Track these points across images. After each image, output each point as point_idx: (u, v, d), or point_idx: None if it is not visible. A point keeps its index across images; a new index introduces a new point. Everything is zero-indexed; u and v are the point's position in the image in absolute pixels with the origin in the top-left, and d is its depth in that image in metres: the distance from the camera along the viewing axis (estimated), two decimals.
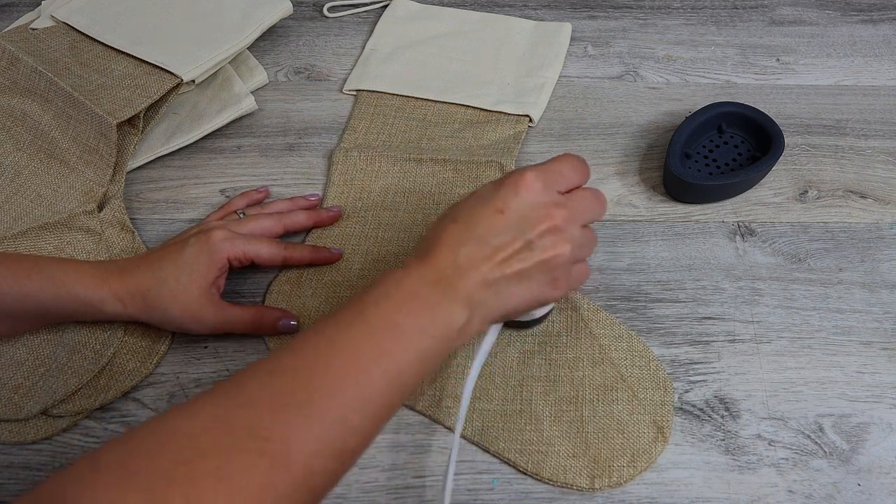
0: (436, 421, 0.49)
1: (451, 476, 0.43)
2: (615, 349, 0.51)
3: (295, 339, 0.38)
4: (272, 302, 0.54)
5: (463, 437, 0.48)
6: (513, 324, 0.51)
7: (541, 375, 0.50)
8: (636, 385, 0.49)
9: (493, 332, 0.45)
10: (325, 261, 0.56)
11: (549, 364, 0.50)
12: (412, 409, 0.49)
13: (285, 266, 0.56)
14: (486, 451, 0.47)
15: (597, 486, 0.45)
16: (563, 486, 0.46)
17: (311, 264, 0.56)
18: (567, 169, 0.43)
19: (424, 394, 0.49)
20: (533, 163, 0.63)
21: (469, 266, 0.40)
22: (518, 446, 0.47)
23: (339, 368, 0.36)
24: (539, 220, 0.41)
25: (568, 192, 0.43)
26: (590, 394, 0.49)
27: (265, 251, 0.53)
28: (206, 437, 0.32)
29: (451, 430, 0.48)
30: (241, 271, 0.56)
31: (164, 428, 0.32)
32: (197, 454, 0.31)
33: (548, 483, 0.46)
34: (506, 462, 0.47)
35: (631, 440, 0.47)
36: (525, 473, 0.46)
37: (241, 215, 0.57)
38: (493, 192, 0.42)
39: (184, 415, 0.33)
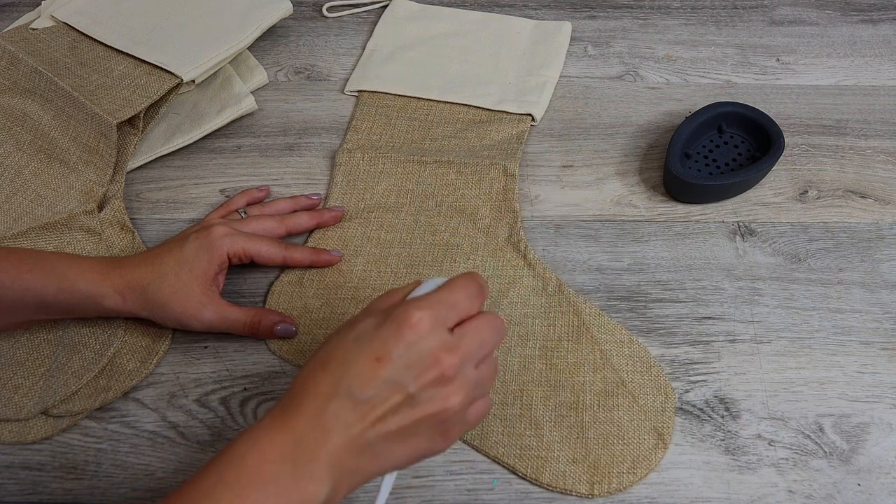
0: None
1: None
2: (616, 354, 0.51)
3: None
4: (273, 303, 0.54)
5: (463, 440, 0.48)
6: None
7: (541, 380, 0.50)
8: (637, 391, 0.49)
9: (389, 481, 0.38)
10: (324, 263, 0.56)
11: (550, 369, 0.50)
12: None
13: (285, 266, 0.56)
14: (486, 455, 0.47)
15: (596, 491, 0.45)
16: (562, 492, 0.46)
17: (310, 266, 0.56)
18: (461, 298, 0.37)
19: None
20: (532, 163, 0.63)
21: (335, 428, 0.34)
22: (517, 451, 0.47)
23: None
24: (424, 368, 0.35)
25: (459, 323, 0.37)
26: (590, 399, 0.49)
27: (265, 250, 0.53)
28: None
29: None
30: (240, 271, 0.56)
31: None
32: None
33: (547, 489, 0.46)
34: (505, 467, 0.47)
35: (631, 446, 0.47)
36: (524, 479, 0.46)
37: (243, 214, 0.57)
38: (373, 333, 0.36)
39: None
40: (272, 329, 0.51)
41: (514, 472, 0.47)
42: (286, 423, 0.35)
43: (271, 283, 0.55)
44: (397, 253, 0.57)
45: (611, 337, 0.52)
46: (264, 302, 0.55)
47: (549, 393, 0.49)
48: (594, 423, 0.48)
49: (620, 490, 0.45)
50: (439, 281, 0.39)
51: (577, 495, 0.45)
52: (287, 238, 0.57)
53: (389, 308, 0.37)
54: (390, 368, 0.35)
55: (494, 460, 0.47)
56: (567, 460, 0.46)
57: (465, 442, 0.48)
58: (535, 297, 0.54)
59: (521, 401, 0.49)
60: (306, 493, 0.34)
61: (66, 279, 0.47)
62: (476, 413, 0.39)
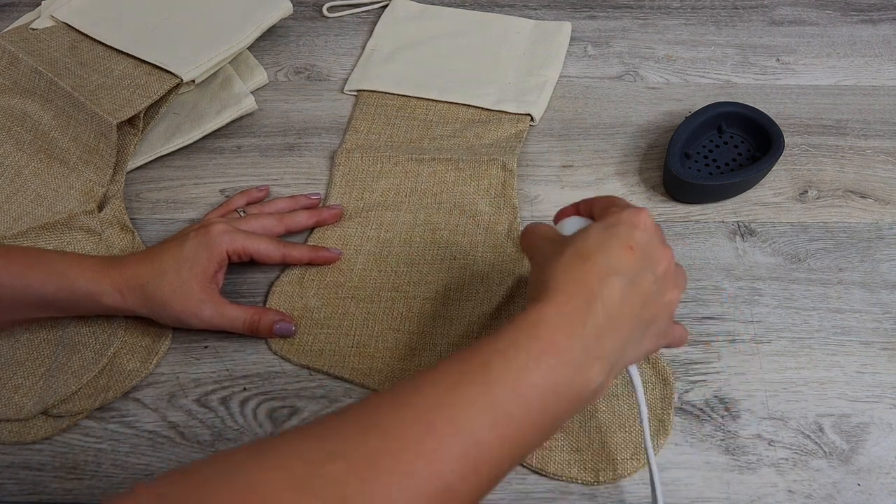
0: None
1: None
2: None
3: (405, 384, 0.33)
4: (274, 302, 0.54)
5: None
6: None
7: None
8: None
9: (635, 371, 0.42)
10: (323, 260, 0.56)
11: None
12: None
13: (284, 264, 0.56)
14: None
15: (601, 479, 0.46)
16: (567, 481, 0.46)
17: (309, 263, 0.56)
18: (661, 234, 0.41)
19: None
20: (532, 163, 0.63)
21: (614, 306, 0.36)
22: None
23: (445, 433, 0.31)
24: (657, 261, 0.38)
25: None
26: None
27: (264, 247, 0.53)
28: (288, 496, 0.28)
29: None
30: (240, 271, 0.56)
31: (234, 480, 0.29)
32: None
33: (553, 478, 0.46)
34: None
35: (633, 434, 0.47)
36: (530, 469, 0.46)
37: (242, 213, 0.57)
38: (611, 230, 0.38)
39: (259, 465, 0.29)
40: (271, 327, 0.51)
41: (520, 464, 0.47)
42: (566, 304, 0.35)
43: (272, 283, 0.55)
44: (397, 251, 0.57)
45: None
46: (265, 302, 0.55)
47: None
48: (596, 411, 0.48)
49: (624, 476, 0.46)
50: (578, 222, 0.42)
51: (582, 483, 0.46)
52: (286, 237, 0.57)
53: (608, 215, 0.40)
54: (640, 255, 0.37)
55: None
56: (571, 449, 0.47)
57: None
58: None
59: None
60: (590, 374, 0.35)
61: (65, 277, 0.47)
62: (679, 333, 0.43)
